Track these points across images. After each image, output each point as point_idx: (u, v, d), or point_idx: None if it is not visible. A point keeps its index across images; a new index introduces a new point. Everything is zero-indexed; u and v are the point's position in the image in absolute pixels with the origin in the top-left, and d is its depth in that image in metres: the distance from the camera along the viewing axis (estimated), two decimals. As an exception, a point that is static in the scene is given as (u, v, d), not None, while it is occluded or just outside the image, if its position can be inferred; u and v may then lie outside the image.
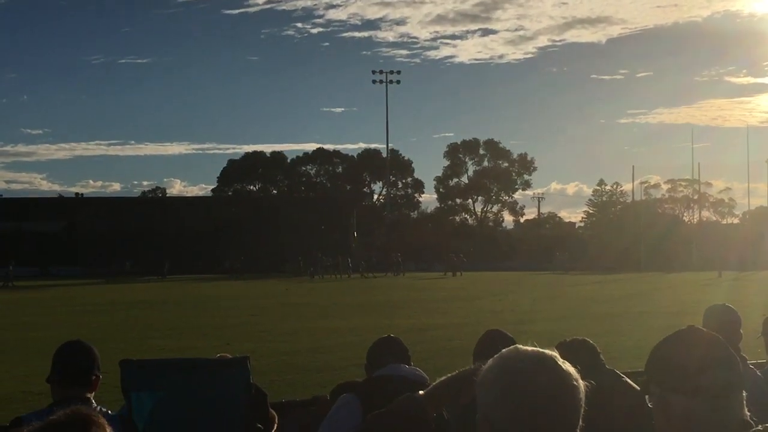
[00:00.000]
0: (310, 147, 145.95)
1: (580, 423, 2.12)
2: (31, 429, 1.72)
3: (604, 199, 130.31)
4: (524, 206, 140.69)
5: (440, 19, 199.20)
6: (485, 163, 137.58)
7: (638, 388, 5.28)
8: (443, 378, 3.06)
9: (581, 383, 2.14)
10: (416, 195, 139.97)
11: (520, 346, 2.22)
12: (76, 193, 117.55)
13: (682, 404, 2.49)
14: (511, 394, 2.08)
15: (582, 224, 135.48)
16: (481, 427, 2.15)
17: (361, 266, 77.29)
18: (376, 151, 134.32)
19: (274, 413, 6.09)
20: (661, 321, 26.56)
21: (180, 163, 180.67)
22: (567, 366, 2.15)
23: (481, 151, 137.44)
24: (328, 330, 26.78)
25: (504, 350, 2.21)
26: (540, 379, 2.08)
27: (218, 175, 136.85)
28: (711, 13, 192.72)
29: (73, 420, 1.74)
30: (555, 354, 2.17)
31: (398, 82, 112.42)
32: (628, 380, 5.50)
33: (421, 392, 3.07)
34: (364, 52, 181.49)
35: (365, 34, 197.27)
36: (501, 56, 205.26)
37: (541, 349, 2.19)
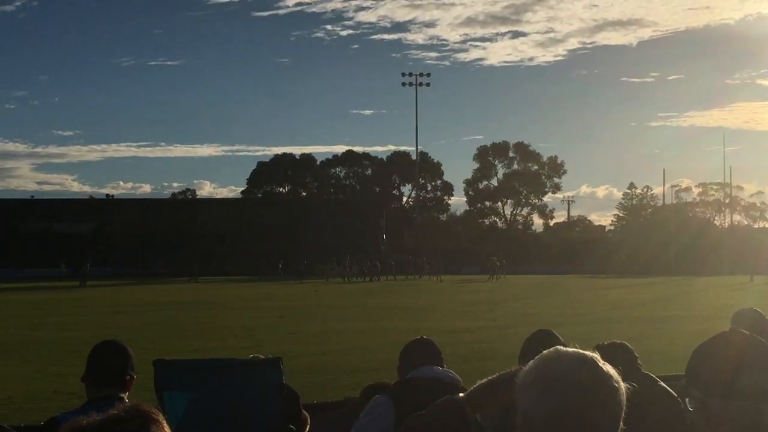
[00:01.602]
0: (340, 149, 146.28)
1: (621, 425, 2.11)
2: (91, 421, 1.72)
3: (634, 202, 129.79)
4: (554, 209, 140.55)
5: (470, 21, 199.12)
6: (515, 166, 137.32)
7: (674, 393, 5.25)
8: (484, 380, 3.04)
9: (622, 385, 2.12)
10: (445, 198, 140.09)
11: (561, 348, 2.21)
12: (107, 195, 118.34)
13: (722, 408, 2.47)
14: (552, 395, 2.06)
15: (612, 228, 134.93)
16: (522, 428, 2.14)
17: (392, 268, 77.18)
18: (406, 154, 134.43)
19: (306, 414, 6.10)
20: (692, 325, 26.42)
21: (210, 164, 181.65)
22: (608, 367, 2.14)
23: (511, 154, 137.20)
24: (356, 332, 26.79)
25: (545, 351, 2.20)
26: (581, 380, 2.07)
27: (248, 176, 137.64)
28: (743, 16, 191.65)
29: (133, 416, 1.74)
30: (596, 355, 2.15)
31: (428, 84, 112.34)
32: (665, 385, 5.46)
33: (461, 394, 3.05)
34: (394, 55, 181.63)
35: (395, 36, 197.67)
36: (531, 59, 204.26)
37: (582, 351, 2.18)
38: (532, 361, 2.20)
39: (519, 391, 2.17)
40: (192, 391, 5.16)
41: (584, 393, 2.06)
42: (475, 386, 3.08)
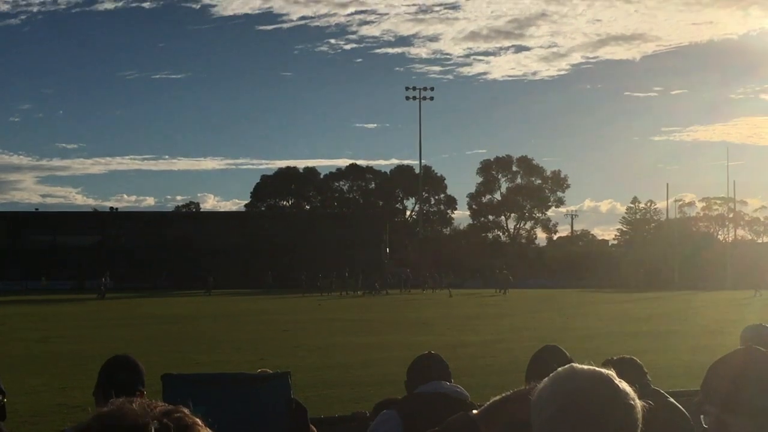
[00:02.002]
0: (343, 163, 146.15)
1: (637, 443, 2.12)
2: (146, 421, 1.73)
3: (637, 216, 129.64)
4: (557, 223, 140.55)
5: (473, 35, 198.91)
6: (518, 180, 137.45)
7: (683, 408, 5.26)
8: (497, 397, 3.05)
9: (638, 403, 2.13)
10: (449, 211, 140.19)
11: (576, 365, 2.21)
12: (111, 208, 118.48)
13: (740, 426, 2.48)
14: (568, 414, 2.07)
15: (615, 242, 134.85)
16: (536, 446, 2.15)
17: (402, 282, 77.08)
18: (409, 167, 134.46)
19: (314, 429, 6.12)
20: (696, 340, 26.41)
21: (214, 178, 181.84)
22: (624, 385, 2.14)
23: (514, 168, 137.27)
24: (361, 346, 26.78)
25: (560, 369, 2.21)
26: (596, 398, 2.07)
27: (251, 190, 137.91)
28: (747, 31, 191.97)
29: (180, 425, 1.74)
30: (612, 373, 2.16)
31: (431, 98, 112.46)
32: (674, 401, 5.47)
33: (475, 411, 3.07)
34: (398, 69, 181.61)
35: (398, 50, 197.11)
36: (534, 73, 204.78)
37: (597, 368, 2.19)
38: (546, 379, 2.21)
39: (534, 408, 2.18)
40: (201, 405, 5.16)
41: (601, 411, 2.06)
42: (488, 403, 3.09)
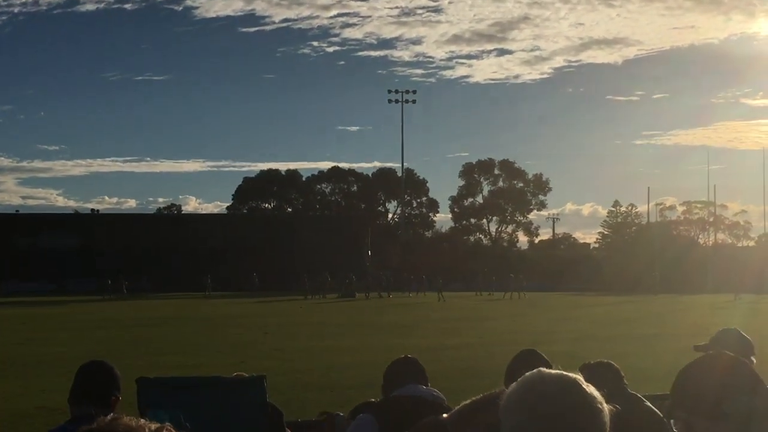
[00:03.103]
0: (325, 165, 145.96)
1: (605, 447, 2.11)
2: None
3: (618, 220, 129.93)
4: (539, 227, 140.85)
5: (456, 38, 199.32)
6: (500, 183, 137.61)
7: (659, 413, 5.26)
8: (467, 401, 3.04)
9: (606, 407, 2.12)
10: (431, 214, 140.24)
11: (544, 370, 2.20)
12: (92, 209, 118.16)
13: (708, 429, 2.47)
14: (535, 418, 2.06)
15: (597, 245, 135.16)
16: (505, 450, 2.14)
17: (384, 283, 76.72)
18: (391, 170, 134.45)
19: (290, 432, 6.10)
20: (677, 343, 26.45)
21: (195, 180, 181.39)
22: (591, 389, 2.13)
23: (496, 171, 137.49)
24: (342, 349, 26.75)
25: (528, 374, 2.20)
26: (564, 403, 2.06)
27: (233, 192, 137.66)
28: (728, 35, 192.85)
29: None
30: (579, 377, 2.15)
31: (414, 101, 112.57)
32: (650, 404, 5.47)
33: (445, 415, 3.05)
34: (380, 71, 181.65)
35: (381, 53, 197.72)
36: (517, 76, 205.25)
37: (565, 373, 2.18)
38: (514, 384, 2.20)
39: (503, 413, 2.17)
40: (175, 409, 5.14)
41: (568, 415, 2.05)
42: (459, 407, 3.08)
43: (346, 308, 54.41)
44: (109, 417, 1.73)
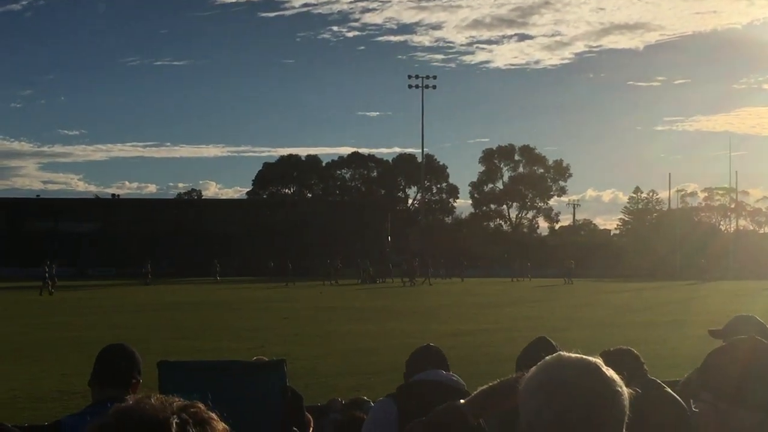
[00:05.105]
0: (345, 151, 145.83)
1: (625, 431, 2.10)
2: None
3: (639, 206, 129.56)
4: (559, 213, 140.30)
5: (476, 23, 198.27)
6: (520, 169, 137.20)
7: (680, 399, 5.23)
8: (485, 386, 3.03)
9: (626, 390, 2.11)
10: (451, 200, 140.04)
11: (564, 353, 2.20)
12: (112, 194, 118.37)
13: (742, 417, 2.44)
14: (555, 401, 2.06)
15: (617, 232, 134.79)
16: (524, 435, 2.13)
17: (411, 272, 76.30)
18: (411, 156, 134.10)
19: (309, 417, 6.12)
20: (697, 330, 26.33)
21: (215, 165, 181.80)
22: (611, 373, 2.13)
23: (517, 157, 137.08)
24: (360, 333, 26.80)
25: (548, 357, 2.19)
26: (585, 386, 2.06)
27: (253, 178, 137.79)
28: (750, 20, 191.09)
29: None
30: (599, 361, 2.15)
31: (434, 86, 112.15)
32: (671, 390, 5.45)
33: (462, 400, 3.05)
34: (400, 57, 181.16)
35: (401, 38, 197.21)
36: (537, 62, 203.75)
37: (585, 356, 2.18)
38: (534, 367, 2.20)
39: (522, 397, 2.17)
40: (195, 392, 5.15)
41: (588, 398, 2.05)
42: (476, 392, 3.07)
43: (364, 294, 54.41)
44: (136, 398, 1.77)
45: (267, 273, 76.79)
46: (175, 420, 1.68)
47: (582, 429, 2.04)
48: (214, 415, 1.77)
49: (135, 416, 1.70)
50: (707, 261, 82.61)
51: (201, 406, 1.77)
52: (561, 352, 2.21)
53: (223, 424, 1.78)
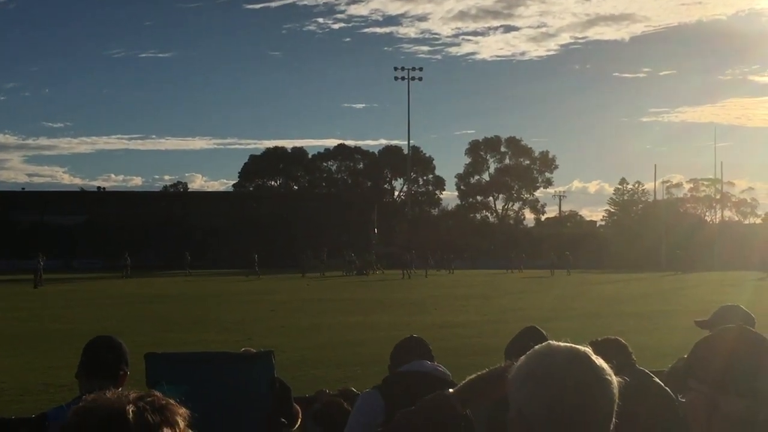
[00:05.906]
0: (331, 143, 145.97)
1: (614, 419, 2.11)
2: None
3: (625, 198, 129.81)
4: (545, 204, 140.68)
5: (462, 15, 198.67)
6: (507, 161, 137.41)
7: (668, 389, 5.25)
8: (474, 375, 3.03)
9: (615, 379, 2.12)
10: (437, 192, 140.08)
11: (553, 342, 2.20)
12: (98, 187, 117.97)
13: (732, 405, 2.44)
14: (544, 390, 2.06)
15: (603, 223, 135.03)
16: (514, 423, 2.14)
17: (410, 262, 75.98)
18: (397, 148, 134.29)
19: (297, 408, 6.12)
20: (684, 320, 26.44)
21: (201, 157, 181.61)
22: (600, 361, 2.13)
23: (503, 149, 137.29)
24: (347, 325, 26.80)
25: (537, 346, 2.20)
26: (573, 374, 2.06)
27: (239, 170, 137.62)
28: (735, 12, 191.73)
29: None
30: (588, 349, 2.16)
31: (420, 78, 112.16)
32: (658, 380, 5.47)
33: (451, 390, 3.05)
34: (386, 48, 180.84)
35: (387, 29, 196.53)
36: (523, 53, 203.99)
37: (574, 345, 2.18)
38: (523, 357, 2.20)
39: (511, 386, 2.17)
40: (183, 384, 5.15)
41: (577, 387, 2.05)
42: (464, 382, 3.08)
43: (352, 286, 54.40)
44: (91, 396, 1.84)
45: (248, 266, 76.74)
46: (132, 408, 1.73)
47: (572, 417, 2.05)
48: (171, 401, 1.81)
49: (93, 412, 1.75)
50: (682, 251, 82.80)
51: (158, 394, 1.82)
52: (550, 341, 2.22)
53: (183, 409, 1.82)
